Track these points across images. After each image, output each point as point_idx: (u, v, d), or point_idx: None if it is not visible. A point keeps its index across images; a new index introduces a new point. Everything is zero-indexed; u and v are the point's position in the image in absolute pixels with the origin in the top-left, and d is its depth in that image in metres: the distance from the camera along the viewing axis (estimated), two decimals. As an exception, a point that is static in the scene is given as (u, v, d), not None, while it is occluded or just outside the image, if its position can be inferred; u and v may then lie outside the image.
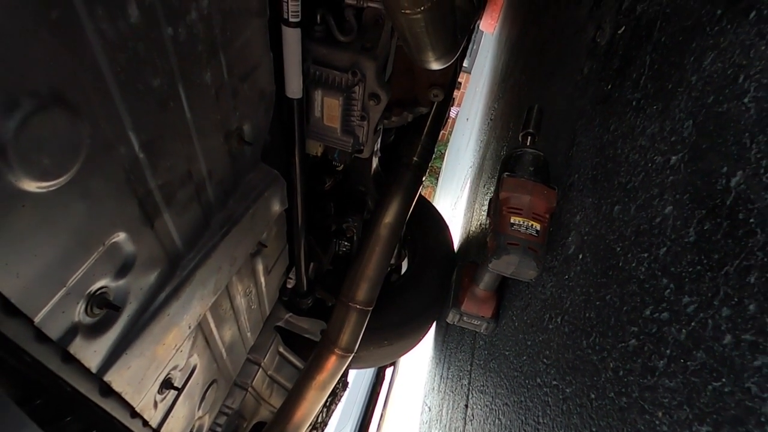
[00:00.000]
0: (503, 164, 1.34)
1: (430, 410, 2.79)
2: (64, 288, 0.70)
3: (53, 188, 0.62)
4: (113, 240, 0.78)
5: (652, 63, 0.93)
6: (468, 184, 4.09)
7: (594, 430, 0.78)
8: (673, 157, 0.76)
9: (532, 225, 1.21)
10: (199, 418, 1.48)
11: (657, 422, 0.63)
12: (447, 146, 9.89)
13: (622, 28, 1.15)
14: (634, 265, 0.79)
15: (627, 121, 0.97)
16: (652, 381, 0.66)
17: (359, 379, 4.66)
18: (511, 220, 1.22)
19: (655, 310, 0.70)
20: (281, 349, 2.10)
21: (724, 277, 0.58)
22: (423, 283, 2.57)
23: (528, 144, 1.33)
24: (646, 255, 0.76)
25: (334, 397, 2.46)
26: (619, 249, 0.86)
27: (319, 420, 2.34)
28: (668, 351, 0.64)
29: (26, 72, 0.55)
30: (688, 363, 0.60)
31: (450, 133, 9.77)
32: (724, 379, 0.54)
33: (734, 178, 0.61)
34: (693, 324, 0.61)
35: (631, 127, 0.95)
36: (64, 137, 0.61)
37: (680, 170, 0.73)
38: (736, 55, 0.67)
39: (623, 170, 0.93)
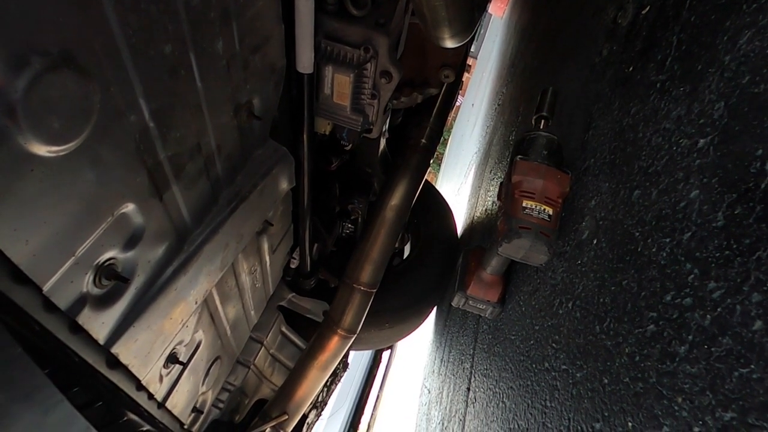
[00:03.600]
0: (516, 147, 1.32)
1: (429, 392, 2.82)
2: (73, 257, 0.69)
3: (63, 153, 0.60)
4: (122, 210, 0.77)
5: (680, 43, 0.90)
6: (473, 170, 4.06)
7: (606, 414, 0.77)
8: (701, 140, 0.74)
9: (544, 209, 1.20)
10: (203, 393, 1.48)
11: (676, 408, 0.62)
12: (451, 132, 9.80)
13: (647, 9, 1.11)
14: (654, 250, 0.78)
15: (650, 104, 0.95)
16: (671, 367, 0.65)
17: (356, 361, 4.70)
18: (523, 204, 1.20)
19: (677, 295, 0.68)
20: (284, 329, 2.11)
21: (755, 262, 0.56)
22: (425, 268, 2.57)
23: (541, 127, 1.30)
24: (668, 240, 0.75)
25: (335, 377, 2.48)
26: (638, 234, 0.84)
27: (320, 399, 2.36)
28: (690, 337, 0.63)
29: (36, 29, 0.52)
30: (713, 349, 0.59)
31: (454, 119, 9.68)
32: (752, 366, 0.53)
33: (769, 162, 0.59)
34: (719, 310, 0.59)
35: (655, 109, 0.92)
36: (75, 100, 0.59)
37: (709, 153, 0.71)
38: (775, 33, 0.64)
39: (644, 154, 0.91)
